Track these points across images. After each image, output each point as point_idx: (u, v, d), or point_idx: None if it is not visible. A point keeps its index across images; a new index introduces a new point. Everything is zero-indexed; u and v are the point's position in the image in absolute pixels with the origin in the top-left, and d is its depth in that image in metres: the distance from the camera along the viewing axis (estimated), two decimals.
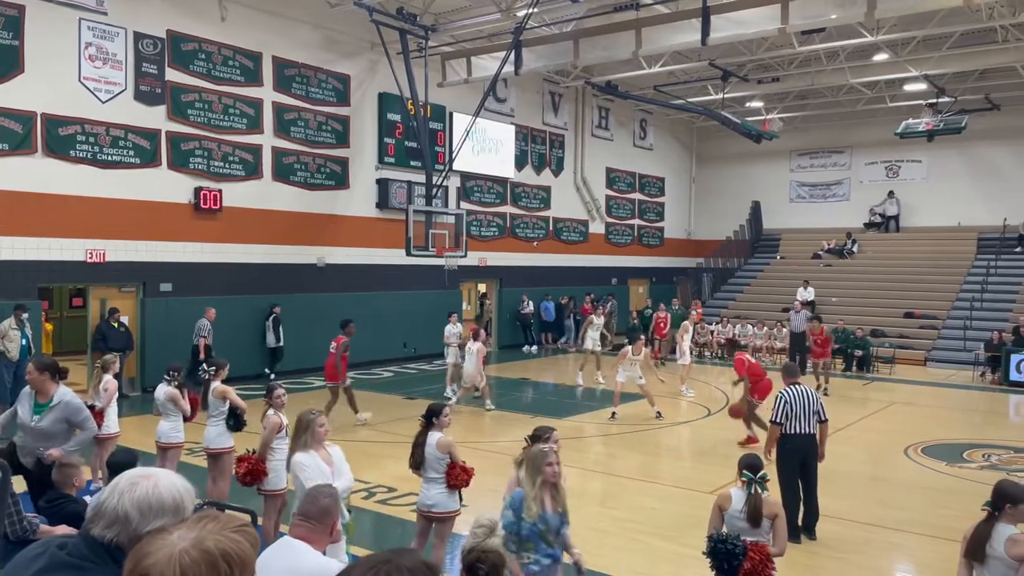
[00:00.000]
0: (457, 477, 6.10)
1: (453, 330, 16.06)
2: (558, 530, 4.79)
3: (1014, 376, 18.43)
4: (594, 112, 27.17)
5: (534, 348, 23.73)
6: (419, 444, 6.20)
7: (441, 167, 18.96)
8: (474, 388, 14.34)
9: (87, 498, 5.36)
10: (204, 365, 8.33)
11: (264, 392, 7.40)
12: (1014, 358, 18.56)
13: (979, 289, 23.88)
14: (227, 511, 5.37)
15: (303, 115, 18.06)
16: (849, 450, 11.71)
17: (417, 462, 6.20)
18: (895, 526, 8.32)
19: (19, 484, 5.51)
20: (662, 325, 21.45)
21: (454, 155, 18.85)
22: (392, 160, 20.05)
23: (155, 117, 15.48)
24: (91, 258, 14.67)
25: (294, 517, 3.59)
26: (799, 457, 7.81)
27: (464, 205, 21.49)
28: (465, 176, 22.09)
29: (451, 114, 21.30)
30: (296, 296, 17.70)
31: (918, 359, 21.75)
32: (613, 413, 13.55)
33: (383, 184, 19.79)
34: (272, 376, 16.45)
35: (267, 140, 17.40)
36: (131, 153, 15.14)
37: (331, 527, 3.55)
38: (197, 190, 16.05)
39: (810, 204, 30.99)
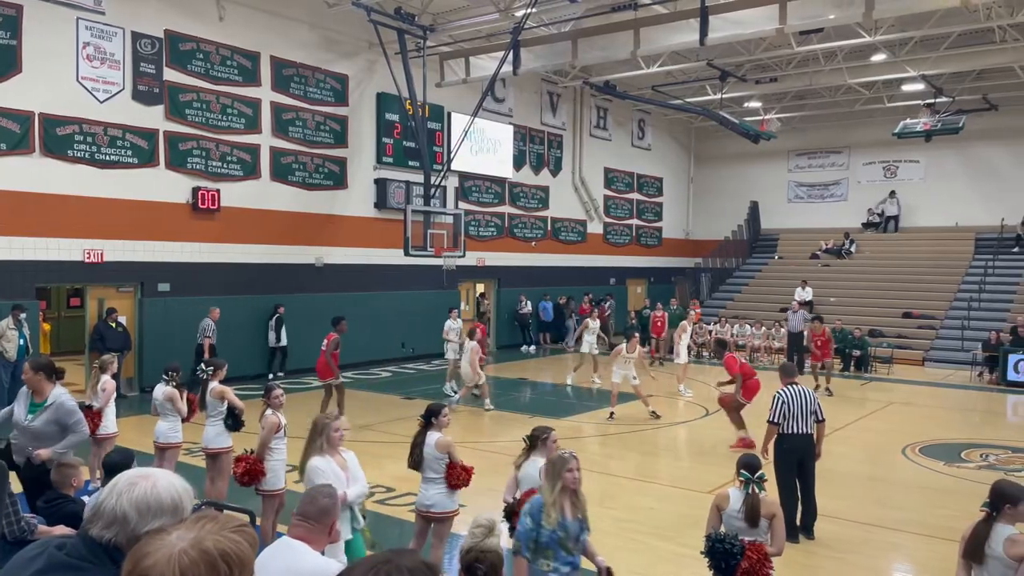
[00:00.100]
0: (458, 477, 6.10)
1: (453, 326, 16.05)
2: (578, 537, 4.70)
3: (1012, 376, 18.45)
4: (592, 112, 27.17)
5: (532, 348, 23.73)
6: (418, 444, 6.20)
7: (439, 167, 18.96)
8: (475, 387, 14.32)
9: (85, 498, 5.35)
10: (202, 365, 8.32)
11: (262, 392, 7.39)
12: (1012, 358, 18.58)
13: (977, 289, 23.91)
14: (225, 511, 5.36)
15: (301, 115, 18.05)
16: (847, 450, 11.73)
17: (416, 462, 6.20)
18: (893, 526, 8.32)
19: (16, 484, 5.50)
20: (659, 324, 21.49)
21: (452, 155, 18.84)
22: (390, 160, 20.04)
23: (153, 117, 15.47)
24: (89, 258, 14.66)
25: (293, 517, 3.59)
26: (796, 457, 7.82)
27: (462, 205, 21.49)
28: (463, 176, 22.10)
29: (449, 114, 21.29)
30: (294, 296, 17.68)
31: (916, 359, 21.77)
32: (611, 413, 13.55)
33: (381, 184, 19.78)
34: (270, 377, 16.45)
35: (265, 140, 17.39)
36: (129, 153, 15.12)
37: (330, 527, 3.55)
38: (195, 190, 16.04)
39: (808, 204, 31.02)
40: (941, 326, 23.11)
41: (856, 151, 29.85)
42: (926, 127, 23.06)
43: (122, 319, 15.00)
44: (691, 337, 18.11)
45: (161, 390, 8.30)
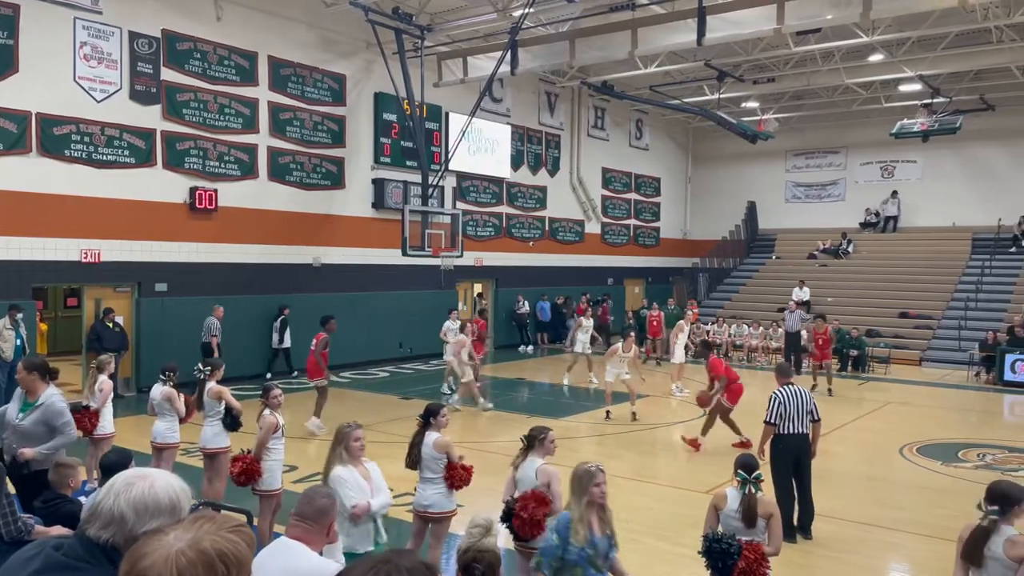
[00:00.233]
0: (459, 477, 6.10)
1: (452, 326, 16.04)
2: (607, 554, 4.57)
3: (1008, 376, 18.49)
4: (590, 112, 27.18)
5: (530, 348, 23.73)
6: (416, 444, 6.19)
7: (437, 167, 18.96)
8: (475, 386, 14.26)
9: (82, 499, 5.34)
10: (199, 365, 8.31)
11: (260, 392, 7.38)
12: (1008, 358, 18.62)
13: (974, 289, 23.96)
14: (223, 511, 5.36)
15: (299, 115, 18.04)
16: (845, 450, 11.75)
17: (413, 461, 6.20)
18: (890, 525, 8.34)
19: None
20: (655, 324, 21.52)
21: (450, 155, 18.85)
22: (388, 160, 20.03)
23: (150, 117, 15.45)
24: (86, 258, 14.63)
25: (290, 518, 3.58)
26: (792, 456, 7.84)
27: (460, 205, 21.49)
28: (461, 176, 22.09)
29: (447, 114, 21.29)
30: (292, 296, 17.66)
31: (913, 359, 21.80)
32: (608, 413, 13.56)
33: (379, 184, 19.77)
34: (268, 376, 16.43)
35: (263, 140, 17.38)
36: (126, 153, 15.10)
37: (328, 528, 3.54)
38: (192, 190, 16.02)
39: (805, 204, 31.05)
40: (938, 326, 23.14)
41: (853, 151, 29.89)
42: (923, 127, 23.11)
43: (119, 319, 14.98)
44: (688, 337, 18.11)
45: (159, 390, 8.29)
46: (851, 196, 29.98)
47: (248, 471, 6.72)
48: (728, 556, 4.80)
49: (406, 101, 17.75)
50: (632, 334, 14.30)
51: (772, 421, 7.81)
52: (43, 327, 17.38)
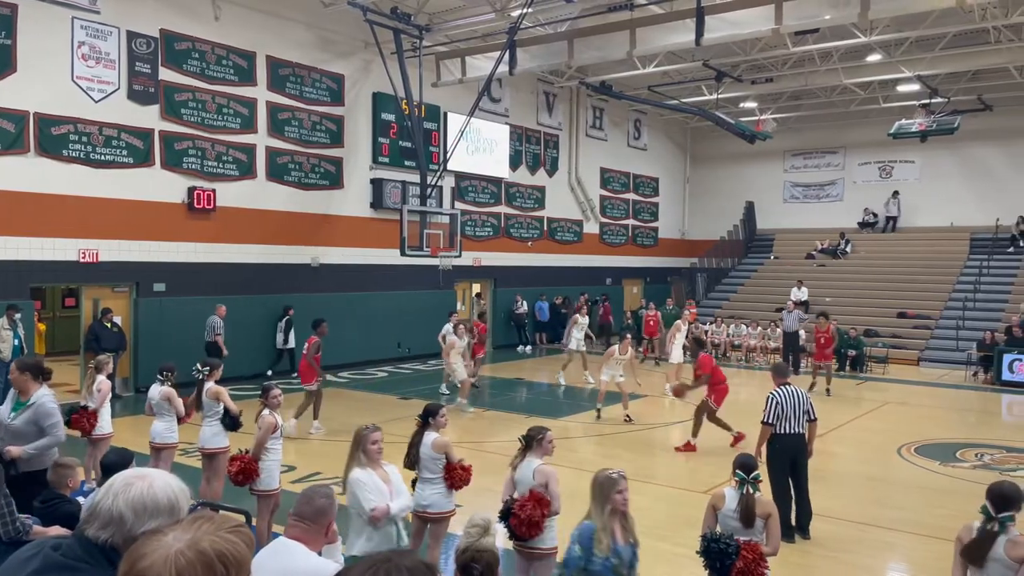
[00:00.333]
0: (458, 477, 6.10)
1: (451, 328, 16.02)
2: (631, 563, 4.49)
3: (1006, 376, 18.51)
4: (588, 112, 27.18)
5: (528, 348, 23.74)
6: (414, 444, 6.19)
7: (435, 167, 18.96)
8: (470, 385, 14.27)
9: (81, 499, 5.34)
10: (198, 365, 8.30)
11: (260, 392, 7.38)
12: (1006, 358, 18.64)
13: (972, 289, 23.98)
14: (221, 511, 5.35)
15: (297, 115, 18.03)
16: (843, 450, 11.76)
17: (412, 461, 6.19)
18: (888, 525, 8.34)
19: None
20: (651, 324, 21.52)
21: (448, 155, 18.84)
22: (386, 160, 20.03)
23: (148, 116, 15.44)
24: (84, 258, 14.62)
25: (289, 518, 3.58)
26: (789, 456, 7.85)
27: (459, 205, 21.49)
28: (459, 176, 22.09)
29: (445, 114, 21.29)
30: (291, 296, 17.65)
31: (911, 359, 21.82)
32: (598, 412, 13.57)
33: (377, 184, 19.77)
34: (268, 374, 16.43)
35: (261, 140, 17.37)
36: (124, 153, 15.09)
37: (326, 528, 3.54)
38: (191, 190, 16.01)
39: (804, 204, 31.08)
40: (936, 326, 23.16)
41: (852, 151, 29.91)
42: (921, 127, 23.13)
43: (117, 319, 14.96)
44: (686, 337, 18.09)
45: (158, 390, 8.27)
46: (849, 196, 30.00)
47: (246, 470, 6.72)
48: (726, 556, 4.80)
49: (404, 101, 17.74)
50: (628, 336, 14.30)
51: (769, 421, 7.82)
52: (41, 327, 17.37)
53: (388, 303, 19.87)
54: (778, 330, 21.19)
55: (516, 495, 5.57)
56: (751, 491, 5.22)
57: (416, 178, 18.60)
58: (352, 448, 5.38)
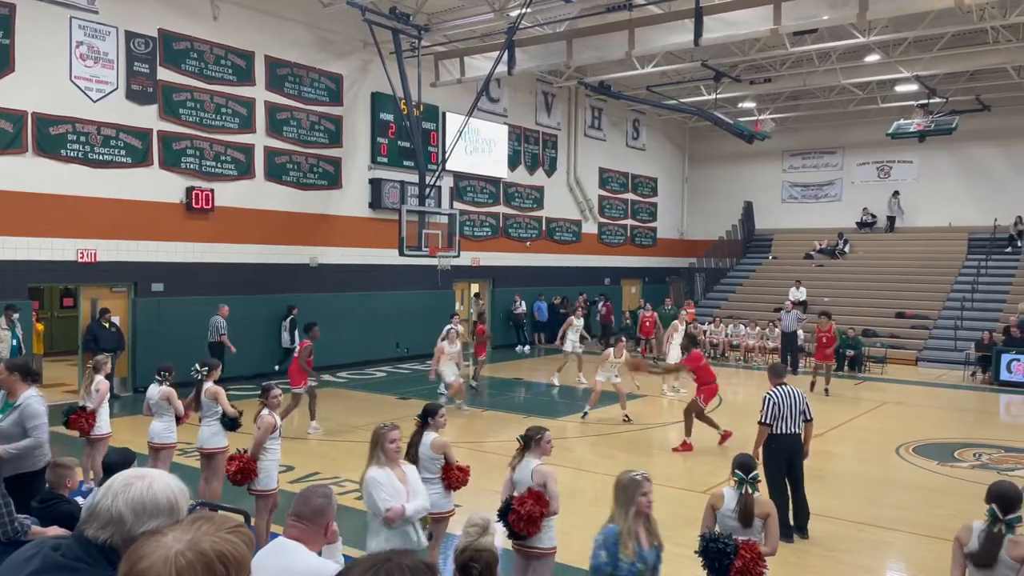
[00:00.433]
0: (456, 478, 6.09)
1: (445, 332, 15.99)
2: (655, 567, 4.38)
3: (1004, 376, 18.53)
4: (587, 112, 27.19)
5: (527, 348, 23.74)
6: (413, 444, 6.19)
7: (434, 167, 18.96)
8: (469, 385, 14.27)
9: (79, 499, 5.33)
10: (196, 365, 8.30)
11: (259, 392, 7.38)
12: (1004, 357, 18.65)
13: (970, 289, 24.00)
14: (220, 512, 5.35)
15: (296, 115, 18.03)
16: (841, 449, 11.77)
17: (411, 461, 6.18)
18: (887, 525, 8.35)
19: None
20: (648, 324, 21.53)
21: (447, 155, 18.84)
22: (385, 160, 20.02)
23: (147, 116, 15.43)
24: (82, 258, 14.61)
25: (288, 518, 3.58)
26: (785, 456, 7.86)
27: (457, 205, 21.49)
28: (458, 176, 22.09)
29: (444, 114, 21.29)
30: (290, 296, 17.65)
31: (909, 359, 21.84)
32: (585, 412, 13.58)
33: (376, 184, 19.76)
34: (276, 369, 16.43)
35: (259, 140, 17.36)
36: (122, 152, 15.08)
37: (325, 528, 3.53)
38: (189, 190, 16.00)
39: (802, 204, 31.10)
40: (934, 326, 23.18)
41: (850, 151, 29.94)
42: (919, 127, 23.15)
43: (115, 319, 14.95)
44: (684, 337, 18.10)
45: (156, 390, 8.26)
46: (848, 196, 30.03)
47: (244, 470, 6.71)
48: (725, 556, 4.80)
49: (403, 101, 17.74)
50: (624, 339, 14.30)
51: (767, 422, 7.83)
52: (39, 327, 17.34)
53: (387, 303, 19.87)
54: (776, 330, 21.21)
55: (515, 495, 5.57)
56: (750, 491, 5.22)
57: (415, 178, 18.59)
58: (371, 447, 5.30)
